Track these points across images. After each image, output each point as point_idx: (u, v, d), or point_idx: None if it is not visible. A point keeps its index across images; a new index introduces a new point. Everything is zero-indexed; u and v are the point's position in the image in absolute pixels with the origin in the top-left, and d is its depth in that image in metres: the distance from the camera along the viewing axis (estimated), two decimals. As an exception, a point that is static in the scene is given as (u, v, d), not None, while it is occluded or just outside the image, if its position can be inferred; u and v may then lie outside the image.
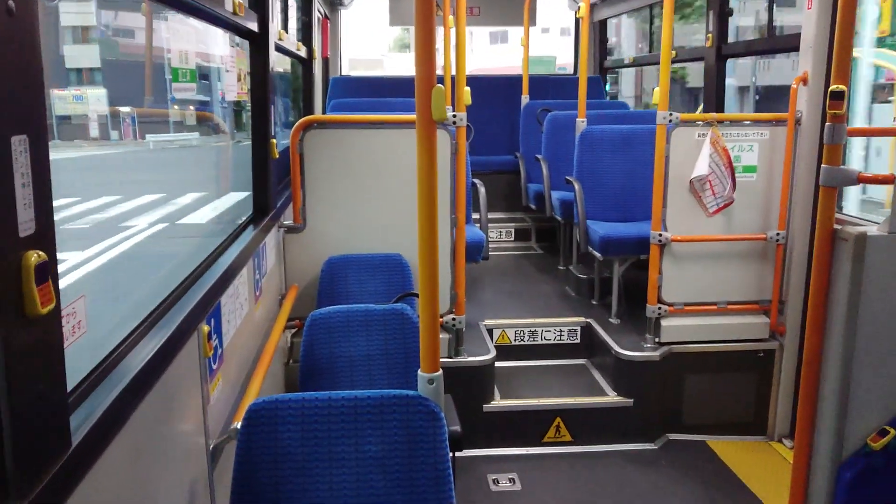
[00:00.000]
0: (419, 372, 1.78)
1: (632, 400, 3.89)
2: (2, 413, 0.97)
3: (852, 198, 7.11)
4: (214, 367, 2.13)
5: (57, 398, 1.12)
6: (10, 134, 0.96)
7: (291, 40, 4.58)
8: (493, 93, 6.80)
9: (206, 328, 1.99)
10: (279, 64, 4.70)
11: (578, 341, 4.46)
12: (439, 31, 3.75)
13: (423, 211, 1.70)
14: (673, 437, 3.96)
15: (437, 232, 1.73)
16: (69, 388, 1.21)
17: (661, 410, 3.94)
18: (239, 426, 1.78)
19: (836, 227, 2.26)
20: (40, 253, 1.02)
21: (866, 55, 9.00)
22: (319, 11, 5.92)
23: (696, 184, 3.80)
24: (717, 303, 3.94)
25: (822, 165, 2.21)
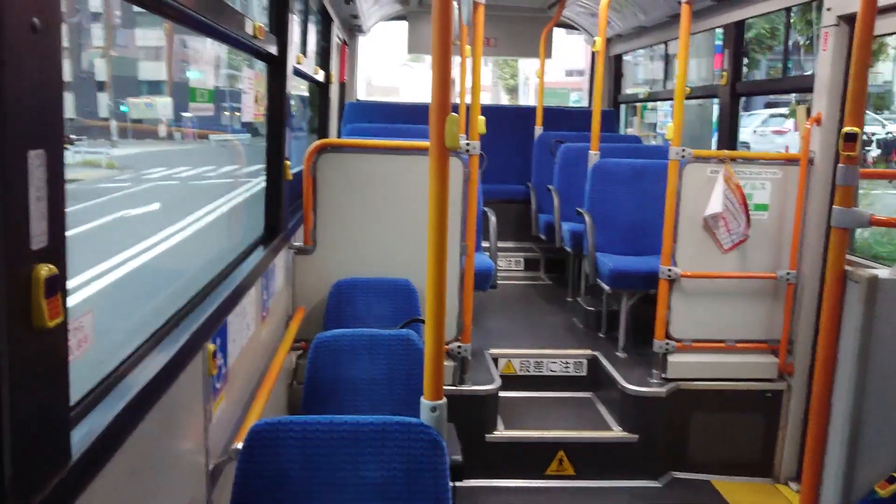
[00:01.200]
0: (422, 399, 1.77)
1: (637, 436, 3.84)
2: (3, 423, 0.97)
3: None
4: (218, 386, 2.12)
5: (59, 411, 1.12)
6: (27, 148, 0.97)
7: (310, 64, 4.63)
8: (508, 122, 6.84)
9: (211, 347, 1.99)
10: (297, 87, 4.78)
11: (584, 374, 4.42)
12: (456, 61, 3.79)
13: (433, 237, 1.70)
14: (677, 475, 3.90)
15: (447, 259, 1.73)
16: (72, 402, 1.21)
17: (667, 448, 3.88)
18: (240, 447, 1.77)
19: (847, 268, 2.24)
20: (51, 266, 1.02)
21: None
22: (338, 37, 6.01)
23: (709, 221, 3.80)
24: (726, 340, 3.91)
25: (834, 206, 2.20)
